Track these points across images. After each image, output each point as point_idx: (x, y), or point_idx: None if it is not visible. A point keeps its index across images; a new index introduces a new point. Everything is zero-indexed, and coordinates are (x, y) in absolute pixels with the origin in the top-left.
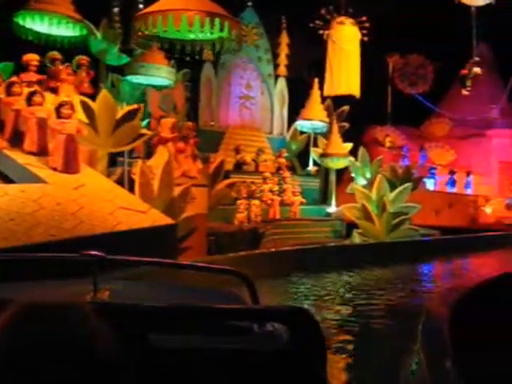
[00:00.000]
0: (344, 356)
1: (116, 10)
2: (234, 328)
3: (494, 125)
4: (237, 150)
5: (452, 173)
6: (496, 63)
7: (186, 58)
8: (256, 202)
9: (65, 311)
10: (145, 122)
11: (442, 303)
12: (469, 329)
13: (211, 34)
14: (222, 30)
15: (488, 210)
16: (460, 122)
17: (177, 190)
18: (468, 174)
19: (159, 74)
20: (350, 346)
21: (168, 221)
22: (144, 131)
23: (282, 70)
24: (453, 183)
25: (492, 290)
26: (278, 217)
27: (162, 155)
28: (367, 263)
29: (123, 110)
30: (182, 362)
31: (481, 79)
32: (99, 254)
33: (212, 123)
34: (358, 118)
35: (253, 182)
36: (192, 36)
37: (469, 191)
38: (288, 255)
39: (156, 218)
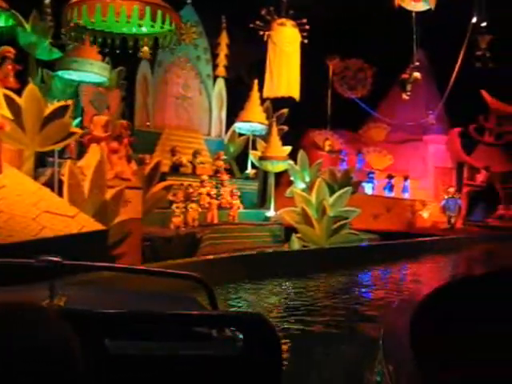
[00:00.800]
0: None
1: (47, 0)
2: (192, 334)
3: (430, 130)
4: (173, 152)
5: (390, 177)
6: (432, 70)
7: (121, 53)
8: (193, 205)
9: (26, 313)
10: (77, 121)
11: (399, 314)
12: (428, 338)
13: (151, 27)
14: (163, 22)
15: (425, 214)
16: (397, 127)
17: (109, 193)
18: (405, 178)
19: (93, 70)
20: (304, 359)
21: (97, 226)
22: (75, 129)
23: (221, 70)
24: (391, 188)
25: (446, 297)
26: (215, 221)
27: (93, 155)
28: (310, 270)
29: (52, 106)
30: (140, 368)
31: (418, 85)
32: (56, 259)
33: (148, 123)
34: (297, 121)
35: (190, 185)
36: (129, 29)
37: (406, 196)
38: (225, 262)
39: (85, 223)
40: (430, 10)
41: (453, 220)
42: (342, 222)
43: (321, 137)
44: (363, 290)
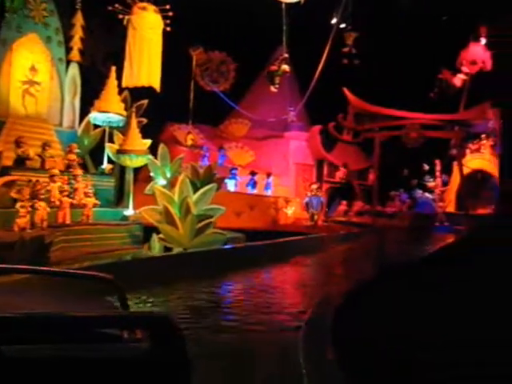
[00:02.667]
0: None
1: None
2: (100, 335)
3: (291, 127)
4: (18, 143)
5: (253, 174)
6: (293, 67)
7: None
8: (42, 204)
9: None
10: None
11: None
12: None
13: None
14: None
15: (289, 211)
16: (259, 123)
17: None
18: (268, 175)
19: None
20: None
21: None
22: None
23: (75, 54)
24: (254, 184)
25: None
26: (68, 221)
27: None
28: (172, 277)
29: None
30: (40, 372)
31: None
32: None
33: None
34: (157, 114)
35: (38, 181)
36: None
37: (269, 193)
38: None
39: None
40: (298, 3)
41: (316, 217)
42: (206, 221)
43: (181, 131)
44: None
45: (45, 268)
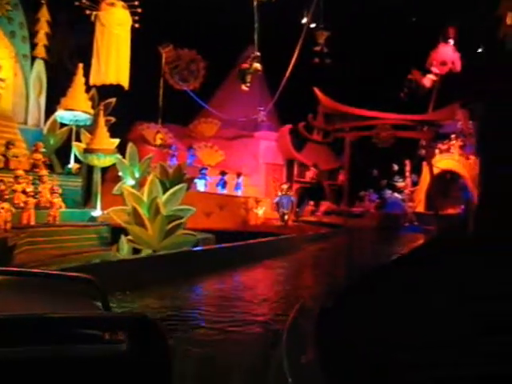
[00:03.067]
0: None
1: None
2: (81, 336)
3: (261, 127)
4: None
5: (223, 174)
6: (264, 67)
7: None
8: (5, 205)
9: None
10: None
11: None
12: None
13: None
14: None
15: (260, 211)
16: (229, 123)
17: None
18: (238, 175)
19: None
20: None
21: None
22: None
23: (41, 50)
24: (224, 184)
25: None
26: (33, 223)
27: None
28: (144, 281)
29: None
30: (19, 373)
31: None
32: None
33: None
34: (125, 113)
35: (1, 181)
36: None
37: (239, 193)
38: None
39: None
40: (269, 1)
41: (286, 217)
42: (176, 222)
43: (150, 130)
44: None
45: (26, 269)
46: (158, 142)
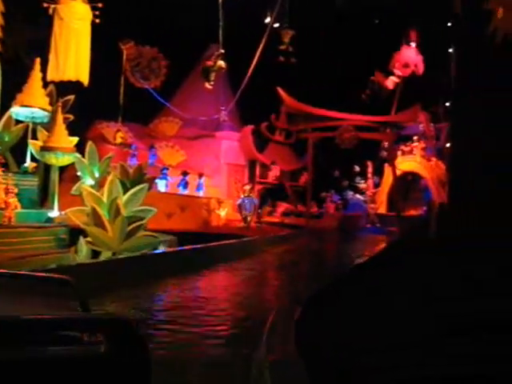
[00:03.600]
0: None
1: None
2: (60, 338)
3: (223, 127)
4: None
5: (184, 174)
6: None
7: None
8: None
9: None
10: None
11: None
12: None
13: None
14: None
15: (222, 213)
16: (190, 122)
17: None
18: (200, 175)
19: None
20: None
21: None
22: None
23: None
24: (185, 185)
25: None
26: None
27: None
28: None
29: None
30: None
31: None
32: None
33: None
34: (84, 110)
35: None
36: None
37: (201, 193)
38: None
39: None
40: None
41: (249, 218)
42: (137, 223)
43: (110, 129)
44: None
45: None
46: (119, 140)
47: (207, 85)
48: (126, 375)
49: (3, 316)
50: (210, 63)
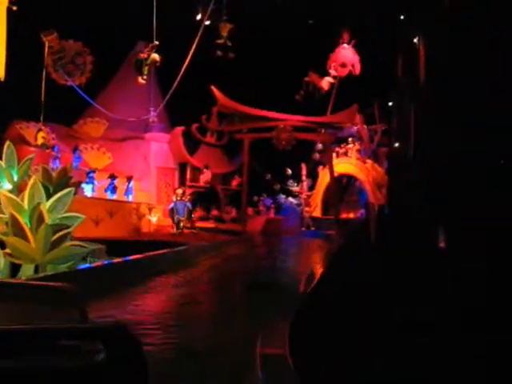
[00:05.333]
0: None
1: None
2: (58, 347)
3: (152, 128)
4: None
5: (112, 178)
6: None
7: None
8: None
9: None
10: None
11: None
12: None
13: None
14: None
15: (153, 218)
16: (117, 123)
17: None
18: (129, 179)
19: None
20: None
21: None
22: None
23: None
24: (113, 189)
25: None
26: None
27: None
28: None
29: None
30: None
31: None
32: None
33: None
34: (0, 109)
35: None
36: None
37: (130, 198)
38: None
39: None
40: None
41: (182, 224)
42: (63, 232)
43: (30, 130)
44: None
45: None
46: (40, 141)
47: (140, 79)
48: (126, 381)
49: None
50: (143, 55)
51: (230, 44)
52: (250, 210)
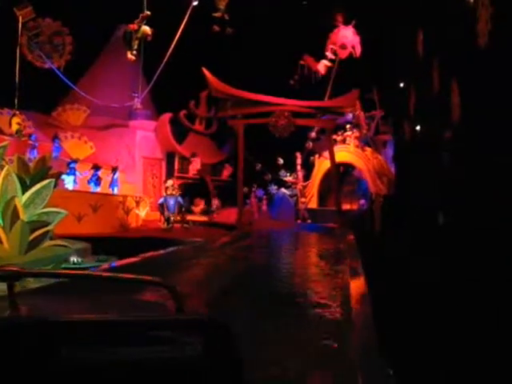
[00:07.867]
0: None
1: None
2: (155, 338)
3: (137, 115)
4: None
5: (96, 168)
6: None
7: None
8: None
9: None
10: None
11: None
12: None
13: None
14: None
15: (142, 213)
16: (99, 110)
17: None
18: (114, 170)
19: None
20: None
21: None
22: None
23: None
24: (97, 181)
25: None
26: None
27: None
28: None
29: None
30: (99, 376)
31: (123, 62)
32: (14, 268)
33: None
34: None
35: None
36: None
37: (115, 191)
38: None
39: None
40: None
41: (172, 219)
42: (43, 230)
43: (3, 117)
44: None
45: (97, 273)
46: (15, 127)
47: (129, 54)
48: (222, 377)
49: (101, 316)
50: (133, 27)
51: (227, 18)
52: (254, 202)
